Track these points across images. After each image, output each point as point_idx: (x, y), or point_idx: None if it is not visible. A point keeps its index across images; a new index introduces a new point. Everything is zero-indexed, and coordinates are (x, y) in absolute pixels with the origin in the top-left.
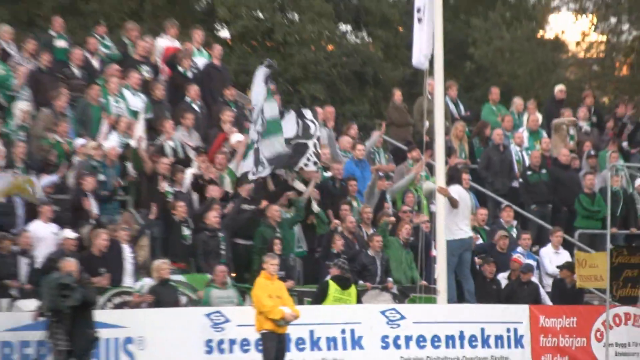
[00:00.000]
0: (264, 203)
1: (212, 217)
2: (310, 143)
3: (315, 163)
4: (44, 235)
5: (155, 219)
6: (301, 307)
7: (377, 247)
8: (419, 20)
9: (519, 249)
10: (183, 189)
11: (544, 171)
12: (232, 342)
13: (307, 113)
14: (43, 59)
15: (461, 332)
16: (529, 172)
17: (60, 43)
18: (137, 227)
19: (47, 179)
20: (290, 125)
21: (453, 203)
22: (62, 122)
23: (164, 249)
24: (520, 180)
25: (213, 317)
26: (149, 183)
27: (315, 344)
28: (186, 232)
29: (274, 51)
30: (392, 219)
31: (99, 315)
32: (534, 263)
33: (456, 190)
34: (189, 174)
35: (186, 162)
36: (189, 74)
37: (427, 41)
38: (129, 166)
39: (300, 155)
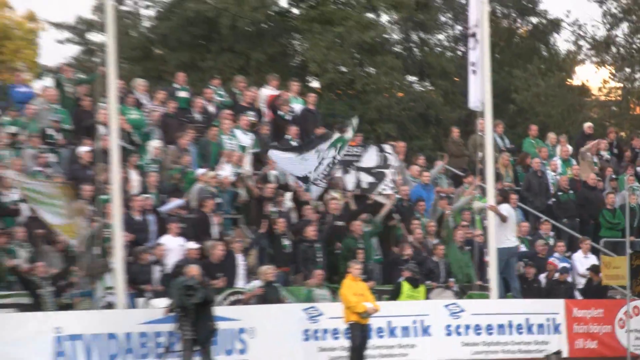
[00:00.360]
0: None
1: (310, 231)
2: (388, 172)
3: (392, 188)
4: (173, 247)
5: (262, 233)
6: (380, 303)
7: (440, 254)
8: (474, 72)
9: (555, 254)
10: (283, 208)
11: (571, 192)
12: (325, 331)
13: (387, 148)
14: (170, 106)
15: (510, 322)
16: (560, 193)
17: (183, 94)
18: (247, 240)
19: (175, 202)
20: (372, 157)
21: (503, 218)
22: (185, 156)
23: (269, 257)
24: (554, 199)
25: (310, 311)
26: (257, 205)
27: (392, 332)
28: (286, 242)
29: (355, 98)
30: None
31: (217, 310)
32: (568, 266)
33: (505, 208)
34: (288, 196)
35: (285, 187)
36: (288, 117)
37: (479, 88)
38: (240, 191)
39: (379, 181)
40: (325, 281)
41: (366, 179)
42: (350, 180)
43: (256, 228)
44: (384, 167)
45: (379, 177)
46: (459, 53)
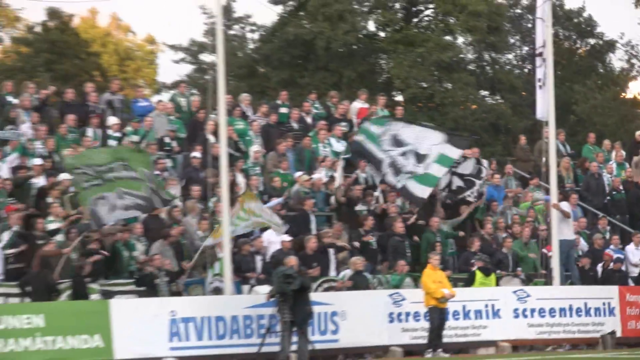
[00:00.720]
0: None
1: (399, 227)
2: (477, 182)
3: (475, 197)
4: (273, 240)
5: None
6: (456, 289)
7: (509, 247)
8: (540, 87)
9: (611, 246)
10: (372, 207)
11: (624, 192)
12: (407, 314)
13: (484, 162)
14: (271, 118)
15: (570, 306)
16: (614, 193)
17: (283, 110)
18: (343, 236)
19: (275, 201)
20: (469, 166)
21: (565, 214)
22: (284, 161)
23: (358, 250)
24: (609, 198)
25: (394, 297)
26: (348, 204)
27: (466, 315)
28: (372, 238)
29: (434, 110)
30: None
31: (313, 296)
32: (621, 256)
33: (566, 206)
34: (375, 196)
35: (374, 188)
36: None
37: (545, 101)
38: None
39: (468, 188)
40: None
41: (457, 182)
42: (443, 181)
43: (348, 225)
44: (476, 177)
45: (469, 184)
46: (526, 70)
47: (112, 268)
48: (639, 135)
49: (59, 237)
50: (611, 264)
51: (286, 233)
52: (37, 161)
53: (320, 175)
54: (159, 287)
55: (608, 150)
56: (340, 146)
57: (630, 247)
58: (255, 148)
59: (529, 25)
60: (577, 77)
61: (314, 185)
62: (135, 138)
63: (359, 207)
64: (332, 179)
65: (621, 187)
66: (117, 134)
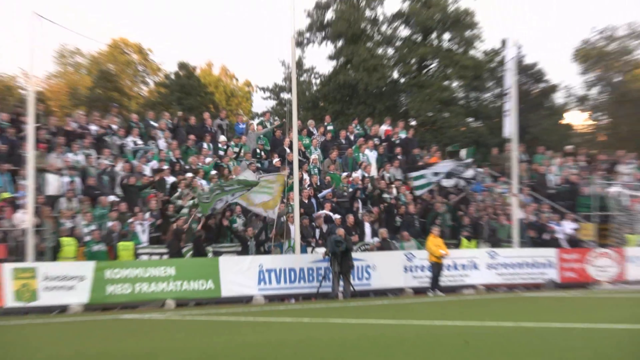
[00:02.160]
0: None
1: (412, 208)
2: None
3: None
4: (328, 218)
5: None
6: (449, 250)
7: (485, 221)
8: (507, 115)
9: (552, 222)
10: (392, 196)
11: (564, 185)
12: (417, 267)
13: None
14: (327, 135)
15: (524, 261)
16: (557, 186)
17: (330, 127)
18: (373, 215)
19: (326, 191)
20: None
21: (521, 202)
22: (332, 165)
23: (385, 224)
24: (553, 190)
25: (408, 255)
26: (379, 195)
27: (455, 267)
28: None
29: (436, 131)
30: None
31: (354, 254)
32: (559, 228)
33: (522, 196)
34: (394, 189)
35: (392, 183)
36: (397, 142)
37: (510, 125)
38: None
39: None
40: (418, 238)
41: (461, 183)
42: (450, 182)
43: (377, 208)
44: (475, 179)
45: (470, 182)
46: (498, 104)
47: (220, 236)
48: (568, 148)
49: (185, 214)
50: (552, 234)
51: (337, 213)
52: (168, 165)
53: (358, 174)
54: (250, 248)
55: (551, 157)
56: (372, 155)
57: (565, 222)
58: (314, 156)
59: (501, 74)
60: (531, 109)
61: (353, 181)
62: (236, 149)
63: (385, 196)
64: (369, 179)
65: (561, 183)
66: (224, 147)
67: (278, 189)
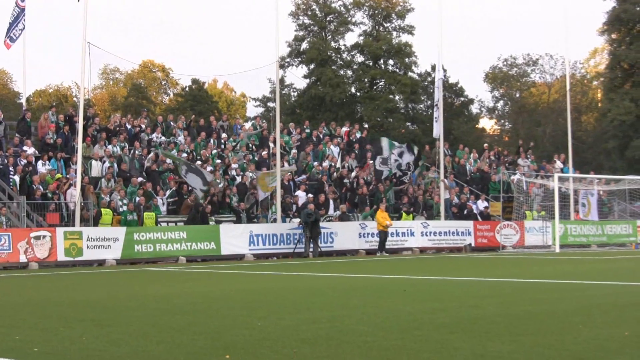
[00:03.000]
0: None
1: (364, 190)
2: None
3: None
4: (301, 196)
5: (343, 191)
6: (393, 221)
7: (420, 200)
8: (436, 120)
9: (470, 201)
10: (351, 179)
11: (477, 174)
12: (369, 234)
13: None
14: (302, 135)
15: (449, 230)
16: (472, 174)
17: (307, 130)
18: (336, 193)
19: (303, 176)
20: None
21: (446, 185)
22: (308, 157)
23: (344, 200)
24: (469, 177)
25: (362, 225)
26: (341, 179)
27: (397, 234)
28: (356, 195)
29: (384, 132)
30: None
31: (321, 224)
32: (474, 206)
33: (447, 181)
34: (352, 175)
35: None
36: (354, 140)
37: (438, 128)
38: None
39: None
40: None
41: (398, 173)
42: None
43: (339, 189)
44: (411, 166)
45: (405, 172)
46: (430, 112)
47: (220, 208)
48: (486, 145)
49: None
50: (469, 211)
51: (309, 192)
52: (185, 155)
53: (326, 164)
54: (242, 219)
55: (469, 153)
56: (335, 150)
57: (479, 202)
58: (294, 150)
59: (431, 90)
60: (454, 116)
61: (322, 169)
62: (233, 143)
63: (345, 180)
64: (331, 166)
65: (476, 172)
66: (225, 142)
67: (265, 175)
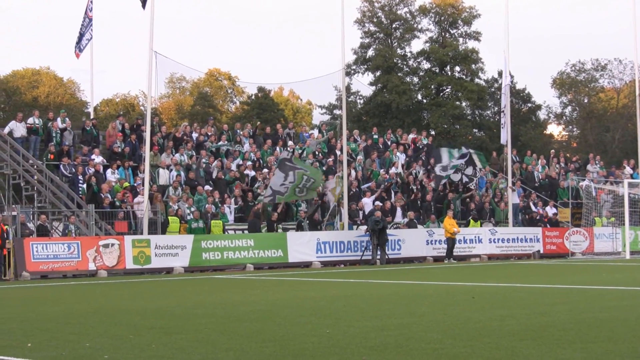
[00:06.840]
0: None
1: (428, 197)
2: (475, 178)
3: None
4: (367, 203)
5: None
6: (461, 228)
7: (487, 207)
8: (503, 127)
9: (538, 207)
10: (417, 187)
11: (545, 180)
12: (436, 240)
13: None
14: (368, 142)
15: (517, 236)
16: (540, 180)
17: (374, 137)
18: (404, 200)
19: (368, 184)
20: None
21: (513, 189)
22: (374, 164)
23: (411, 208)
24: (537, 183)
25: (428, 231)
26: (408, 186)
27: (464, 241)
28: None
29: (451, 139)
30: None
31: (388, 231)
32: (543, 213)
33: (515, 188)
34: (419, 182)
35: (417, 177)
36: (421, 147)
37: (505, 134)
38: (400, 180)
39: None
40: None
41: (464, 178)
42: (457, 177)
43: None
44: (475, 175)
45: (471, 178)
46: (497, 118)
47: (287, 217)
48: (552, 152)
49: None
50: (538, 216)
51: (376, 200)
52: (250, 163)
53: (393, 171)
54: (304, 226)
55: (537, 159)
56: (402, 156)
57: (547, 208)
58: (359, 157)
59: (498, 97)
60: (521, 123)
61: (389, 176)
62: (300, 151)
63: (412, 187)
64: (398, 174)
65: (545, 178)
66: (291, 150)
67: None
